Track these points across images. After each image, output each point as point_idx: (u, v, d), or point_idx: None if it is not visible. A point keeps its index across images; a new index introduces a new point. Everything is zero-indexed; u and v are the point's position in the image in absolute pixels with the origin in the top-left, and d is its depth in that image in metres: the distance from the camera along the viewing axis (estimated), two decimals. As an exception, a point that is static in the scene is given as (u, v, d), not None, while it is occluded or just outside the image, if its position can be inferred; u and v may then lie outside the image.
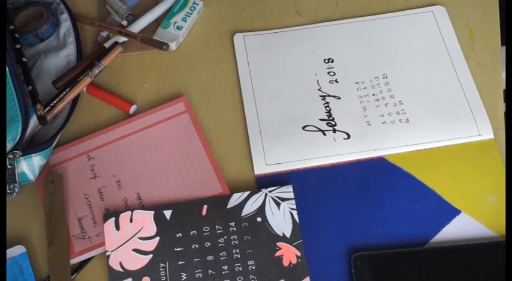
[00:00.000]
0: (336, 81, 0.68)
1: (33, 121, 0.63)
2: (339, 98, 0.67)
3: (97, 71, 0.68)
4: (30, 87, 0.64)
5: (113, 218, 0.59)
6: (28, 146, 0.62)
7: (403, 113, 0.65)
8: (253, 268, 0.56)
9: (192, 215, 0.59)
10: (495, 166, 0.61)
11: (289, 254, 0.57)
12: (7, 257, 0.58)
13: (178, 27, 0.73)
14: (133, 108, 0.68)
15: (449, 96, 0.65)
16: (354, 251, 0.57)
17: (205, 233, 0.58)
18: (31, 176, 0.61)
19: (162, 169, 0.63)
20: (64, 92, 0.67)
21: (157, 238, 0.58)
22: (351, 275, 0.56)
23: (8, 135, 0.58)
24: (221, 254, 0.57)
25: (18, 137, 0.59)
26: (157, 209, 0.60)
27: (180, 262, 0.57)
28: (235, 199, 0.60)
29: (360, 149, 0.63)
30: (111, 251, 0.58)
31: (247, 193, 0.60)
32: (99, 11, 0.77)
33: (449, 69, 0.67)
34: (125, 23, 0.73)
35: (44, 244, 0.60)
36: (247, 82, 0.69)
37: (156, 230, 0.59)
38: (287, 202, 0.59)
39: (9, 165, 0.59)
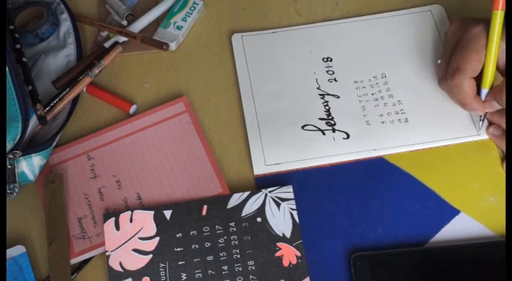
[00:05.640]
0: (335, 80, 0.68)
1: (33, 121, 0.63)
2: (338, 97, 0.67)
3: (97, 71, 0.68)
4: (30, 87, 0.64)
5: (113, 218, 0.60)
6: (28, 146, 0.62)
7: (402, 113, 0.65)
8: (253, 268, 0.56)
9: (192, 215, 0.59)
10: (494, 165, 0.61)
11: (289, 254, 0.57)
12: (7, 257, 0.58)
13: (178, 27, 0.73)
14: (133, 108, 0.68)
15: (448, 96, 0.65)
16: (354, 251, 0.57)
17: (205, 234, 0.58)
18: (31, 176, 0.61)
19: (162, 169, 0.63)
20: (64, 92, 0.67)
21: (157, 238, 0.58)
22: (351, 275, 0.56)
23: (8, 135, 0.58)
24: (221, 254, 0.57)
25: (18, 137, 0.59)
26: (157, 209, 0.60)
27: (180, 262, 0.57)
28: (235, 199, 0.60)
29: (360, 149, 0.63)
30: (111, 251, 0.58)
31: (247, 193, 0.60)
32: (99, 11, 0.77)
33: (449, 69, 0.67)
34: (124, 23, 0.74)
35: (44, 244, 0.60)
36: (245, 82, 0.69)
37: (156, 230, 0.59)
38: (287, 202, 0.59)
39: (9, 165, 0.59)
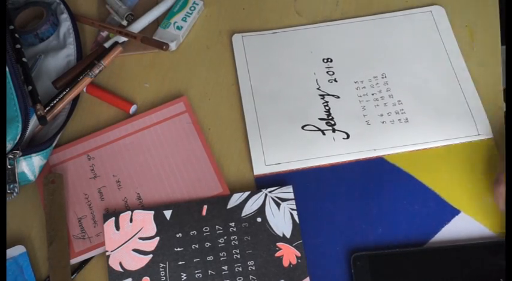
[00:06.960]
0: (335, 80, 0.68)
1: (33, 121, 0.63)
2: (338, 97, 0.67)
3: (97, 71, 0.68)
4: (30, 87, 0.64)
5: (113, 218, 0.60)
6: (28, 146, 0.62)
7: (402, 113, 0.65)
8: (253, 268, 0.56)
9: (192, 215, 0.59)
10: (494, 165, 0.61)
11: (289, 254, 0.57)
12: (7, 257, 0.58)
13: (178, 27, 0.73)
14: (133, 108, 0.68)
15: (448, 96, 0.65)
16: (354, 251, 0.57)
17: (205, 234, 0.58)
18: (31, 176, 0.61)
19: (162, 169, 0.63)
20: (64, 92, 0.67)
21: (157, 238, 0.58)
22: (351, 275, 0.56)
23: (8, 135, 0.58)
24: (221, 254, 0.57)
25: (18, 137, 0.59)
26: (157, 209, 0.60)
27: (180, 262, 0.57)
28: (235, 199, 0.60)
29: (360, 149, 0.63)
30: (111, 251, 0.58)
31: (247, 193, 0.60)
32: (99, 11, 0.77)
33: (448, 68, 0.67)
34: (125, 23, 0.74)
35: (44, 244, 0.60)
36: (246, 82, 0.69)
37: (156, 230, 0.59)
38: (287, 202, 0.59)
39: (9, 165, 0.59)
